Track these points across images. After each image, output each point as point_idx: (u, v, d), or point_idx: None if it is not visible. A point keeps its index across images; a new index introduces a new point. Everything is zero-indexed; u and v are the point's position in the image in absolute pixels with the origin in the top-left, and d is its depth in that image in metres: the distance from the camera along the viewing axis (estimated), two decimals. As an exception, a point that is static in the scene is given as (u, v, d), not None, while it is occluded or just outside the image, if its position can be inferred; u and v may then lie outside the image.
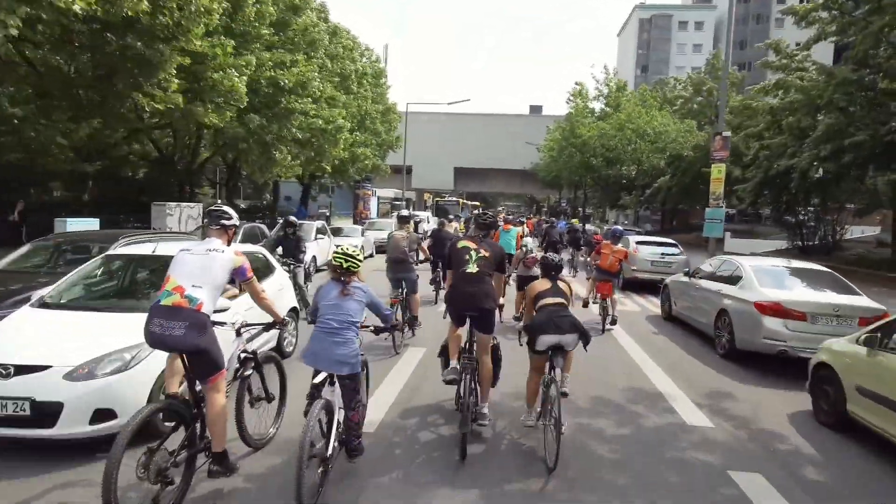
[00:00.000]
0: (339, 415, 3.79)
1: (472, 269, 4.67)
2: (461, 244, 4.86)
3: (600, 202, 47.09)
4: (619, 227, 11.40)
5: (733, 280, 8.67)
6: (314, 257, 15.85)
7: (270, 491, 3.85)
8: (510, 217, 17.98)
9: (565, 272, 11.04)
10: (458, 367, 4.56)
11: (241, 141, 19.86)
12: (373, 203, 57.13)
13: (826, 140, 16.98)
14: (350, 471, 4.12)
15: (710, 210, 16.41)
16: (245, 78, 15.99)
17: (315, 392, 3.74)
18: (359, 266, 4.01)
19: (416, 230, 19.92)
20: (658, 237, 17.15)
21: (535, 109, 63.48)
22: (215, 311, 3.68)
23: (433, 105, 43.99)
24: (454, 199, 45.20)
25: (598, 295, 9.61)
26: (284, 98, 20.98)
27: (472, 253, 4.75)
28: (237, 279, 3.79)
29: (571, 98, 33.21)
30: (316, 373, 3.79)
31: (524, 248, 9.39)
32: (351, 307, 3.85)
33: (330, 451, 3.66)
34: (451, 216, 23.75)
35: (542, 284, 4.91)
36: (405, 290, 8.01)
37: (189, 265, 3.57)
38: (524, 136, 52.92)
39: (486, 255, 4.76)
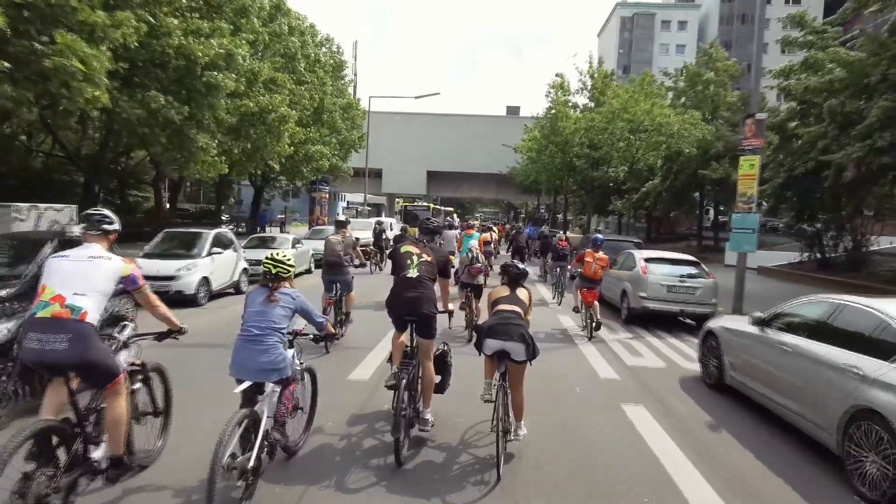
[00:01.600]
0: (266, 424, 3.64)
1: (413, 273, 4.67)
2: (404, 249, 4.83)
3: (583, 208, 43.19)
4: (601, 236, 10.99)
5: (886, 348, 4.49)
6: (205, 279, 11.43)
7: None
8: (473, 223, 17.26)
9: (534, 277, 13.91)
10: (397, 372, 4.41)
11: (138, 125, 15.28)
12: (339, 208, 53.03)
13: (881, 127, 13.04)
14: (283, 478, 4.03)
15: (739, 217, 12.34)
16: (105, 54, 11.40)
17: (244, 402, 3.65)
18: (289, 272, 3.92)
19: (380, 237, 19.05)
20: (675, 253, 12.87)
21: (513, 111, 59.73)
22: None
23: (400, 98, 39.75)
24: (424, 204, 41.64)
25: (583, 302, 9.51)
26: (202, 73, 16.49)
27: (414, 258, 4.75)
28: (127, 288, 3.53)
29: (551, 90, 29.07)
30: (238, 382, 3.69)
31: (469, 255, 9.08)
32: (276, 314, 3.77)
33: (253, 463, 3.44)
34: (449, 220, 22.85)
35: (502, 291, 4.76)
36: (339, 293, 8.17)
37: (68, 273, 3.31)
38: (500, 139, 49.25)
39: (429, 259, 4.78)
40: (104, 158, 21.44)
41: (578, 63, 74.15)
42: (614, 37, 64.07)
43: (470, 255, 9.11)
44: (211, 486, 3.14)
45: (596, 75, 28.15)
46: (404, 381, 4.28)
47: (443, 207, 52.82)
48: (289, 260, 3.96)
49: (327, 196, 34.03)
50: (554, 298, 13.35)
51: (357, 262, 8.56)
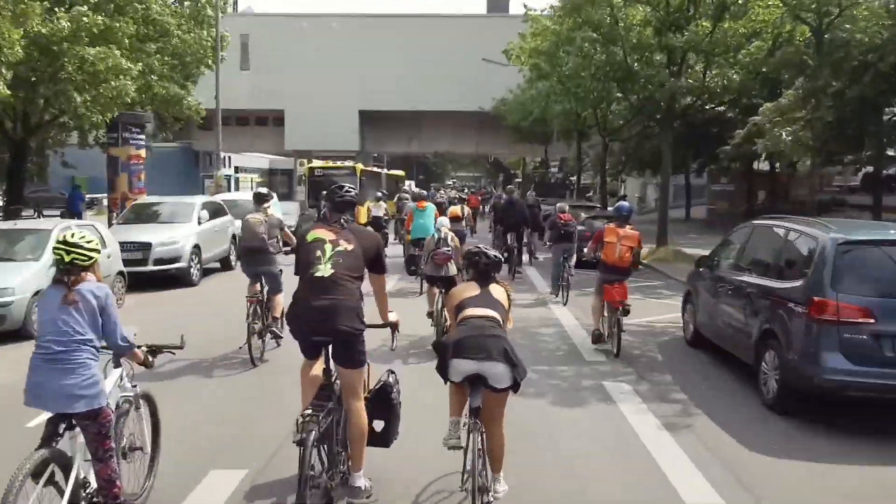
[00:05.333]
0: (79, 471, 3.98)
1: (325, 271, 4.63)
2: (310, 235, 4.84)
3: (625, 165, 35.54)
4: (626, 203, 11.18)
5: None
6: None
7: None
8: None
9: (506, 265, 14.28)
10: (305, 420, 4.46)
11: None
12: (204, 178, 47.32)
13: None
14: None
15: None
16: None
17: (45, 440, 3.91)
18: (91, 259, 4.17)
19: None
20: None
21: (497, 6, 52.12)
22: None
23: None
24: (347, 165, 33.88)
25: (606, 303, 9.74)
26: None
27: (327, 247, 4.70)
28: None
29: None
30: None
31: (435, 237, 10.09)
32: (78, 319, 4.02)
33: None
34: (380, 193, 24.86)
35: (468, 289, 4.97)
36: (265, 288, 9.30)
37: None
38: (480, 52, 42.71)
39: (349, 248, 4.73)
40: None
41: None
42: None
43: (436, 236, 10.08)
44: None
45: None
46: (314, 433, 4.22)
47: (384, 170, 45.53)
48: (89, 242, 4.19)
49: (143, 155, 24.74)
50: (556, 295, 14.10)
51: (286, 247, 9.35)
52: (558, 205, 17.11)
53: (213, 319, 11.53)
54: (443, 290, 9.30)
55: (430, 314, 10.03)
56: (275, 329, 9.25)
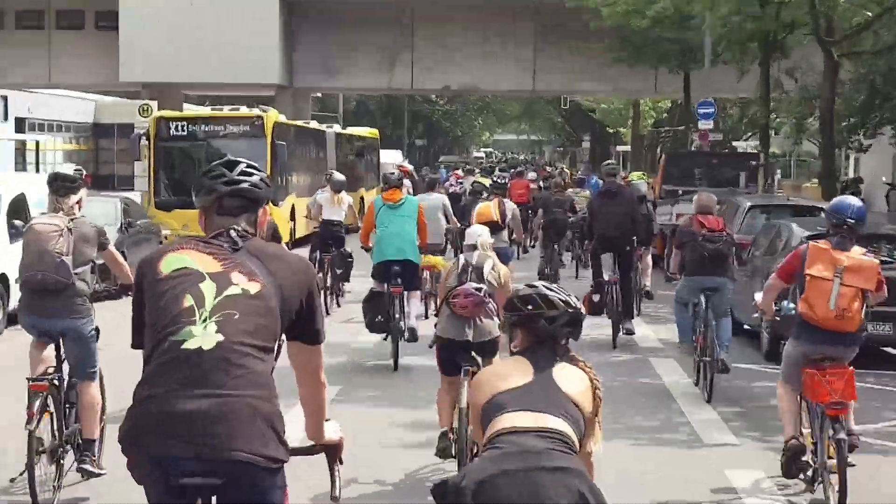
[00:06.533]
0: None
1: (204, 338, 4.65)
2: (167, 262, 4.98)
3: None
4: (856, 201, 12.40)
5: None
6: None
7: None
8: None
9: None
10: None
11: None
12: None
13: None
14: None
15: None
16: None
17: None
18: None
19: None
20: None
21: None
22: None
23: None
24: (246, 112, 39.22)
25: (808, 411, 10.84)
26: None
27: (206, 288, 4.81)
28: None
29: None
30: None
31: (459, 261, 11.53)
32: None
33: None
34: (338, 177, 26.72)
35: (511, 373, 5.33)
36: (63, 361, 10.42)
37: None
38: None
39: (252, 290, 4.86)
40: None
41: None
42: None
43: (460, 260, 11.59)
44: None
45: None
46: None
47: (332, 127, 50.26)
48: None
49: None
50: (697, 382, 16.17)
51: (110, 288, 11.24)
52: (696, 197, 18.44)
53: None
54: (469, 368, 10.24)
55: (444, 433, 10.52)
56: (87, 456, 9.76)
